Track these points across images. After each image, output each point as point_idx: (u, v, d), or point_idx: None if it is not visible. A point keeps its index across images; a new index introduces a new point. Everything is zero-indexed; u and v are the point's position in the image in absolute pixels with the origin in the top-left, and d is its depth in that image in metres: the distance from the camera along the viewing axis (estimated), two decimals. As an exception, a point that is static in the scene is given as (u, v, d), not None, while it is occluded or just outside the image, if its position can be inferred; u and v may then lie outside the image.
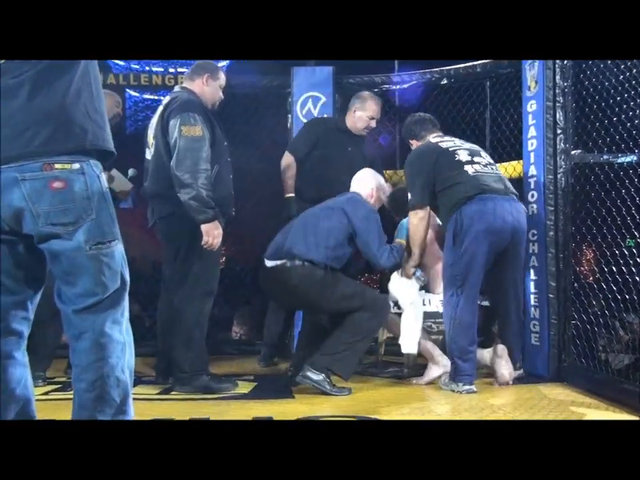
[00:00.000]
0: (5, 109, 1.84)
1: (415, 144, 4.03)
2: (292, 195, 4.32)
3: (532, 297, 4.04)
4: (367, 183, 3.92)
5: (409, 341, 3.81)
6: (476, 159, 3.77)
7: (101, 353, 1.91)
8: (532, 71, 4.08)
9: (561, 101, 3.93)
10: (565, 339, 3.91)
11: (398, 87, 5.11)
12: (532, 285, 4.04)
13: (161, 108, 3.62)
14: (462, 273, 3.60)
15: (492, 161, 3.92)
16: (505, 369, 3.70)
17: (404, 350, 3.87)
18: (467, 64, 4.76)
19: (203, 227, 3.42)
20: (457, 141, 3.91)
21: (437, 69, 4.92)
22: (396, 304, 3.93)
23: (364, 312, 3.56)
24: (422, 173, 3.76)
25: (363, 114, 4.34)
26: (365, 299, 3.60)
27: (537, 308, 4.02)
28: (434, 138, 3.94)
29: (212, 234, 3.43)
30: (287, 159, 4.34)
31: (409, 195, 3.83)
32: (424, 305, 3.90)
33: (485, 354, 3.77)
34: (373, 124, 4.39)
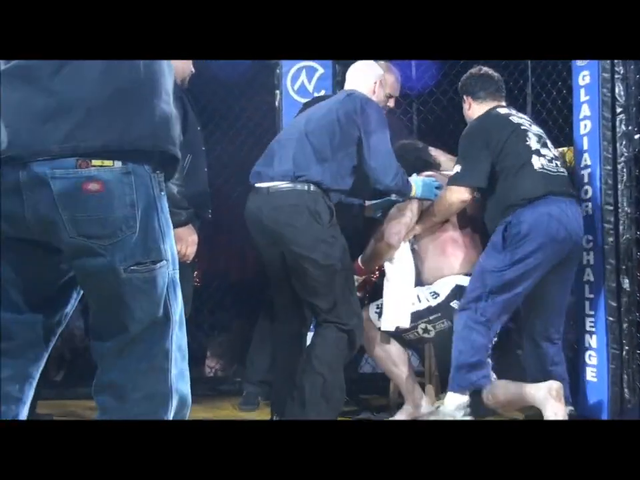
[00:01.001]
0: (31, 92, 1.80)
1: (469, 104, 4.05)
2: None
3: (587, 320, 4.03)
4: (366, 75, 3.88)
5: (393, 314, 3.86)
6: (543, 151, 3.82)
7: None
8: (584, 34, 4.07)
9: (621, 72, 3.93)
10: (630, 374, 3.89)
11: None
12: (586, 305, 4.03)
13: None
14: (511, 282, 3.64)
15: (557, 154, 3.95)
16: (559, 410, 3.65)
17: (384, 327, 3.91)
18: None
19: (177, 232, 3.40)
20: (526, 119, 3.95)
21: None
22: (379, 309, 3.96)
23: (334, 325, 3.51)
24: (485, 148, 3.78)
25: (379, 91, 4.10)
26: (341, 301, 3.54)
27: (592, 335, 4.01)
28: (502, 108, 3.96)
29: (186, 241, 3.41)
30: None
31: (457, 167, 3.84)
32: (412, 304, 3.92)
33: (530, 391, 3.72)
34: (392, 103, 4.21)
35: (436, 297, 3.91)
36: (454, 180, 3.82)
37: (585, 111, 4.08)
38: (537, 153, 3.78)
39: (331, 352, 3.51)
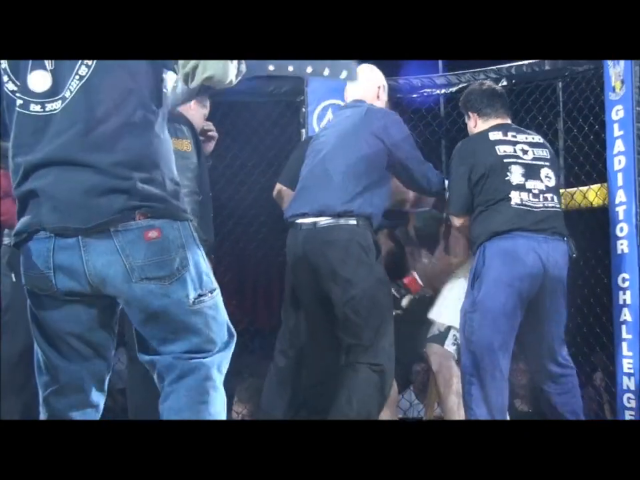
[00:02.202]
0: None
1: (474, 120, 3.97)
2: None
3: (624, 361, 3.98)
4: (370, 81, 3.90)
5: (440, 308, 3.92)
6: (529, 183, 3.74)
7: (203, 396, 2.21)
8: (616, 67, 4.07)
9: (656, 105, 3.91)
10: (671, 417, 3.84)
11: (443, 91, 5.11)
12: (624, 346, 3.99)
13: None
14: (474, 330, 3.63)
15: (553, 184, 3.83)
16: None
17: (431, 315, 3.97)
18: (532, 60, 4.76)
19: None
20: (521, 144, 3.85)
21: (493, 67, 4.93)
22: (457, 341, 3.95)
23: (367, 365, 3.49)
24: (466, 178, 3.76)
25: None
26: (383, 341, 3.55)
27: (631, 377, 3.96)
28: (495, 132, 3.87)
29: None
30: (280, 192, 4.24)
31: (446, 192, 3.85)
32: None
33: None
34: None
35: None
36: (447, 207, 3.89)
37: (619, 146, 4.06)
38: (519, 187, 3.71)
39: (364, 392, 3.50)
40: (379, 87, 3.91)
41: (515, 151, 3.80)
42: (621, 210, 4.03)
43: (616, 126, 4.09)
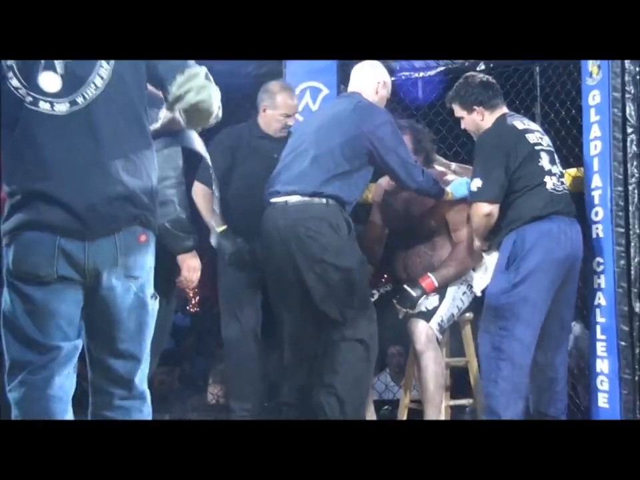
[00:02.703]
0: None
1: (481, 114, 3.97)
2: (224, 227, 4.10)
3: (598, 344, 4.02)
4: (370, 76, 3.97)
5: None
6: (554, 169, 3.85)
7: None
8: (594, 52, 4.09)
9: (632, 91, 3.94)
10: (643, 400, 3.89)
11: (421, 74, 5.14)
12: (598, 329, 4.03)
13: None
14: (514, 306, 3.66)
15: (562, 170, 3.97)
16: None
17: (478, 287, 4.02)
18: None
19: (183, 258, 3.48)
20: (537, 132, 3.93)
21: (471, 51, 4.93)
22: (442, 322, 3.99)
23: (357, 342, 3.59)
24: (503, 165, 3.78)
25: (274, 112, 4.27)
26: (366, 315, 3.65)
27: (604, 359, 4.00)
28: (513, 118, 3.93)
29: (192, 266, 3.50)
30: (198, 190, 4.20)
31: (477, 180, 3.81)
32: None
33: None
34: (291, 122, 4.31)
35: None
36: (477, 195, 3.81)
37: (595, 131, 4.09)
38: (549, 173, 3.80)
39: (347, 360, 3.58)
40: (378, 82, 3.96)
41: (538, 138, 3.88)
42: (596, 194, 4.07)
43: (592, 111, 4.12)
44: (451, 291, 4.02)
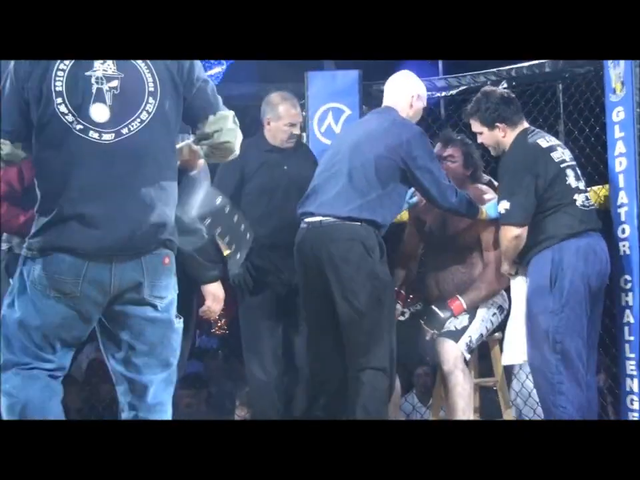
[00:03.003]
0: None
1: (504, 131, 3.93)
2: (229, 250, 4.13)
3: (627, 363, 4.00)
4: (404, 89, 3.97)
5: (514, 348, 3.87)
6: (580, 185, 3.84)
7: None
8: (617, 69, 4.09)
9: (657, 107, 3.94)
10: (674, 419, 3.86)
11: (443, 94, 5.14)
12: (626, 347, 4.00)
13: None
14: (563, 327, 3.65)
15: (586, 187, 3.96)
16: None
17: (506, 361, 3.97)
18: (532, 62, 4.79)
19: (208, 288, 3.52)
20: (560, 148, 3.90)
21: (493, 70, 4.95)
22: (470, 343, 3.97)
23: (380, 372, 3.58)
24: (532, 187, 3.75)
25: (278, 124, 4.27)
26: (388, 347, 3.63)
27: (633, 378, 3.97)
28: (535, 135, 3.90)
29: (216, 297, 3.53)
30: None
31: (505, 202, 3.78)
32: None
33: None
34: (296, 130, 4.34)
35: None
36: (505, 218, 3.79)
37: (620, 147, 4.08)
38: (577, 190, 3.79)
39: (374, 397, 3.57)
40: (412, 96, 3.95)
41: (561, 154, 3.86)
42: (622, 211, 4.05)
43: (617, 127, 4.11)
44: (481, 312, 4.02)
